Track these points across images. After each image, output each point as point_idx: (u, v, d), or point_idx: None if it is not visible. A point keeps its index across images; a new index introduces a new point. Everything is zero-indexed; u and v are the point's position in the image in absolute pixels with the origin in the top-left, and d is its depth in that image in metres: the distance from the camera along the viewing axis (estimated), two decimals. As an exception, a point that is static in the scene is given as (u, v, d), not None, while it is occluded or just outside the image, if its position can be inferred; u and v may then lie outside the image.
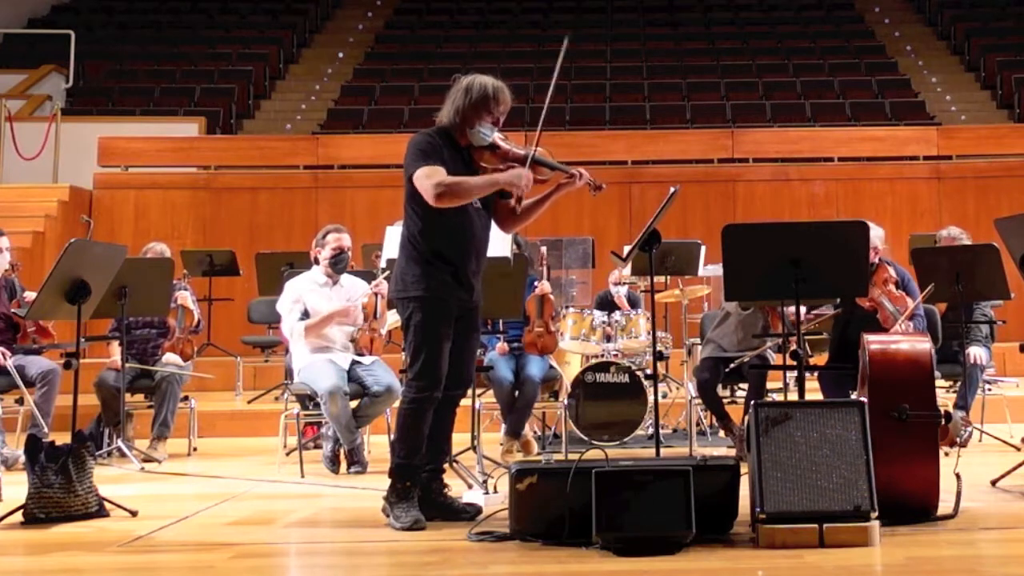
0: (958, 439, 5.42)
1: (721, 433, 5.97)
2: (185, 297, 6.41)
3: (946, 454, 4.47)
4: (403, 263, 3.99)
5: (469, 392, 5.43)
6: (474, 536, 3.65)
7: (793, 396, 5.03)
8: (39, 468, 4.06)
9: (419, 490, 4.01)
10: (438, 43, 15.45)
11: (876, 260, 5.27)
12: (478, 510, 4.04)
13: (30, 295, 5.51)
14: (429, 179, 3.83)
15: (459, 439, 4.86)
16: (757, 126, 12.11)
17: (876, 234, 5.12)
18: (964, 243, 6.42)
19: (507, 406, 5.79)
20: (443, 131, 4.01)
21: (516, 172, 3.91)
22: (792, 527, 3.38)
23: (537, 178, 3.96)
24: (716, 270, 6.76)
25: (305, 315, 5.42)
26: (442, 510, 4.02)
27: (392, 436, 4.10)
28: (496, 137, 3.97)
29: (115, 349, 6.04)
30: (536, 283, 6.01)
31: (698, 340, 6.69)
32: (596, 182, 4.01)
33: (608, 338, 6.42)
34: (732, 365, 5.60)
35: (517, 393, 5.97)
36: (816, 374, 5.58)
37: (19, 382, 5.43)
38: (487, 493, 4.27)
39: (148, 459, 5.75)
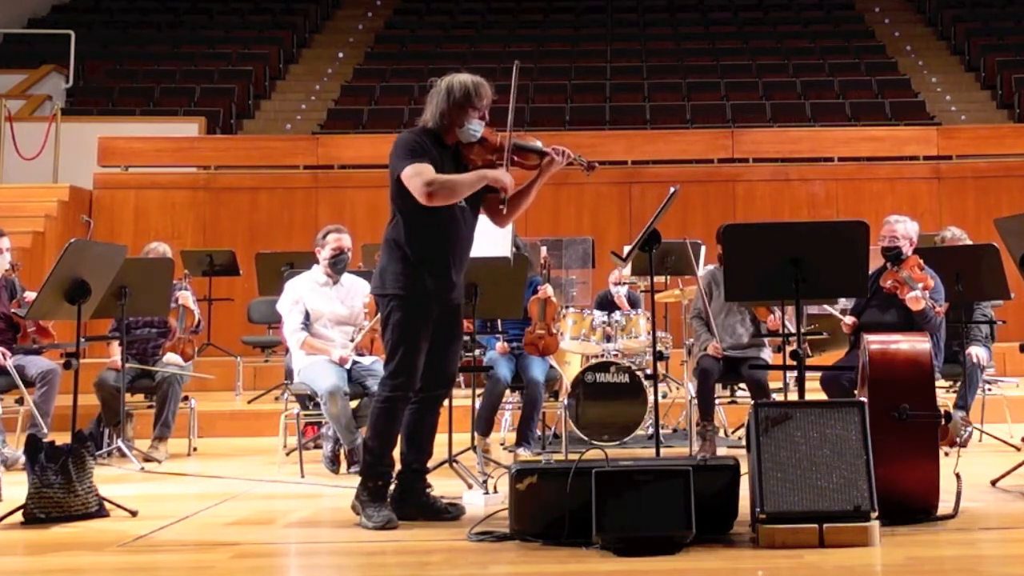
0: (958, 439, 5.43)
1: (721, 432, 5.97)
2: (187, 297, 6.40)
3: (946, 454, 4.48)
4: (385, 260, 3.99)
5: (469, 393, 5.45)
6: (474, 536, 3.64)
7: (793, 396, 5.03)
8: (39, 468, 4.06)
9: (399, 489, 4.02)
10: (438, 43, 15.44)
11: (909, 252, 5.47)
12: (461, 511, 4.05)
13: (30, 295, 5.51)
14: (419, 177, 3.83)
15: (459, 439, 4.87)
16: (757, 126, 12.10)
17: (913, 228, 5.55)
18: (964, 243, 6.42)
19: (492, 406, 5.74)
20: (429, 131, 4.02)
21: (503, 171, 3.94)
22: (792, 527, 3.38)
23: (525, 163, 4.00)
24: (716, 270, 6.73)
25: (306, 316, 5.42)
26: (424, 510, 4.02)
27: (366, 435, 4.10)
28: (484, 131, 4.02)
29: (115, 349, 6.03)
30: (540, 287, 6.00)
31: (698, 340, 6.68)
32: (585, 160, 4.03)
33: (608, 338, 6.42)
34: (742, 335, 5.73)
35: (517, 396, 5.96)
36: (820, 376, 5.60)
37: (19, 382, 5.43)
38: (487, 493, 4.27)
39: (148, 459, 5.75)
